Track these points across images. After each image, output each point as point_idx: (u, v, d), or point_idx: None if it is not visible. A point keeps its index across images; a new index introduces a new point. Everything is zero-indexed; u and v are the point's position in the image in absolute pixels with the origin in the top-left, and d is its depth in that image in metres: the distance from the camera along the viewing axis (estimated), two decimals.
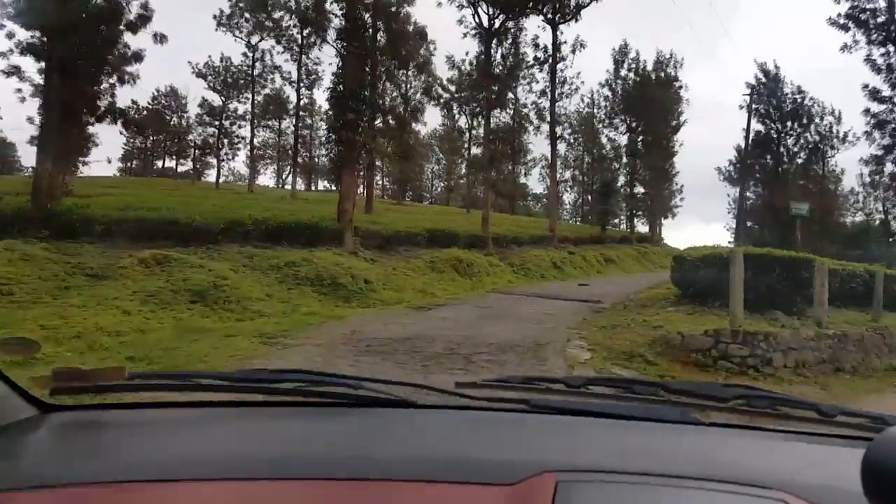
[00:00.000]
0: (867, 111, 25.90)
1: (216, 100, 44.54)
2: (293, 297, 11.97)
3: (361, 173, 22.48)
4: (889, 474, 0.66)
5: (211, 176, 48.43)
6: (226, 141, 46.33)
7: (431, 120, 76.92)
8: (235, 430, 1.15)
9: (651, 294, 14.60)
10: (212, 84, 43.57)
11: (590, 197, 51.00)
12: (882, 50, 24.72)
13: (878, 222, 46.24)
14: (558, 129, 27.67)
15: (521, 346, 8.62)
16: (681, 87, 40.30)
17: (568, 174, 55.96)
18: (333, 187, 41.05)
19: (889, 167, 26.21)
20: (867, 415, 1.28)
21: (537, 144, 78.60)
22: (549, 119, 27.17)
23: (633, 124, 37.60)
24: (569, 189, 60.91)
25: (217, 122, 45.46)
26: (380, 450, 1.01)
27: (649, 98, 36.50)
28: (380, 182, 68.35)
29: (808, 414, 1.27)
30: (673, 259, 13.46)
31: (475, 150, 34.75)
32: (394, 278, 15.10)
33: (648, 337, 9.53)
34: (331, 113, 19.03)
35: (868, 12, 24.72)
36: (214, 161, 46.40)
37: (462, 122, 39.82)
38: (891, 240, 43.15)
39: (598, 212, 38.47)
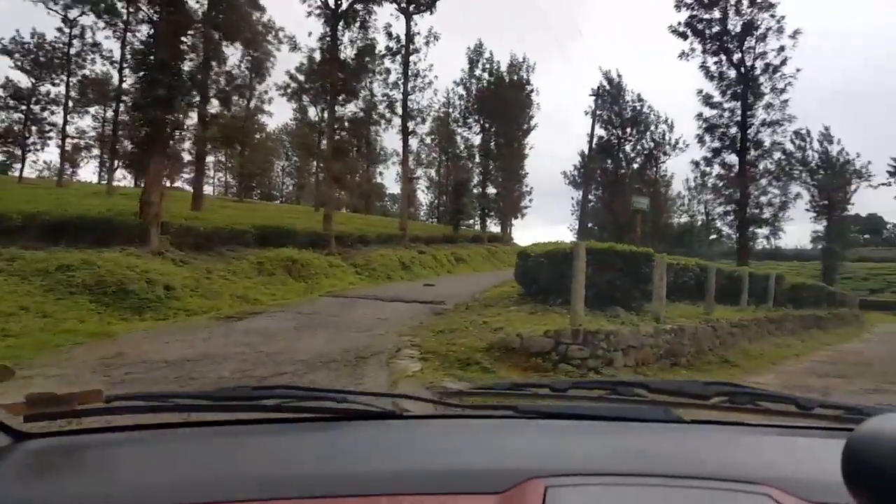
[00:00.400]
0: (700, 115, 28.04)
1: (24, 81, 38.15)
2: (59, 309, 9.49)
3: (190, 164, 19.58)
4: (869, 465, 0.67)
5: (24, 169, 41.56)
6: (34, 128, 39.94)
7: (282, 114, 73.13)
8: (219, 450, 1.12)
9: (496, 293, 13.87)
10: (19, 63, 37.41)
11: (445, 197, 50.97)
12: (715, 59, 26.78)
13: (700, 223, 50.63)
14: (411, 124, 26.67)
15: (338, 360, 7.16)
16: (532, 91, 41.49)
17: (422, 173, 55.70)
18: (172, 184, 36.69)
19: (717, 169, 28.49)
20: (844, 406, 1.27)
21: (391, 141, 77.42)
22: (400, 112, 26.10)
23: (487, 125, 37.92)
24: (426, 189, 60.82)
25: (24, 107, 39.02)
26: (367, 464, 1.00)
27: (502, 99, 36.96)
28: (223, 179, 63.42)
29: (788, 408, 1.28)
30: (517, 255, 12.77)
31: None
32: (207, 283, 12.93)
33: (487, 341, 8.52)
34: (136, 88, 16.22)
35: (704, 22, 26.60)
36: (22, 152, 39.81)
37: (313, 114, 37.97)
38: (711, 239, 47.74)
39: (450, 211, 38.21)
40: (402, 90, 25.79)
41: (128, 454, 1.11)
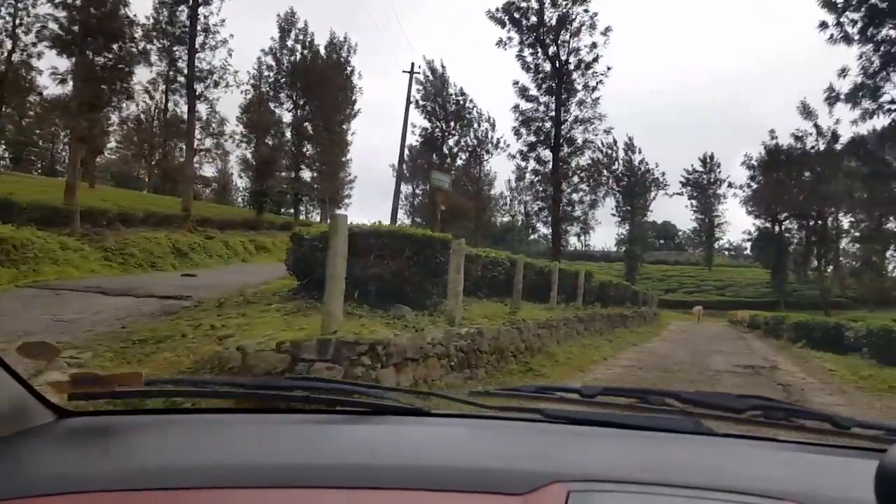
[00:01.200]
0: (516, 107, 27.49)
1: None
2: None
3: None
4: None
5: None
6: None
7: None
8: (250, 437, 1.15)
9: (276, 286, 11.11)
10: None
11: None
12: (531, 50, 26.27)
13: (520, 223, 51.63)
14: (199, 87, 22.59)
15: None
16: (353, 73, 38.97)
17: (237, 153, 50.29)
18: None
19: (532, 164, 28.13)
20: (884, 426, 1.26)
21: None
22: (187, 72, 21.96)
23: (301, 102, 34.61)
24: (242, 174, 55.35)
25: None
26: (392, 458, 1.01)
27: (318, 76, 33.99)
28: None
29: (824, 425, 1.26)
30: (290, 239, 10.10)
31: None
32: None
33: (198, 355, 5.81)
34: None
35: (521, 11, 25.90)
36: None
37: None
38: (530, 238, 48.93)
39: (252, 193, 34.22)
40: (187, 46, 21.66)
41: (162, 436, 1.14)
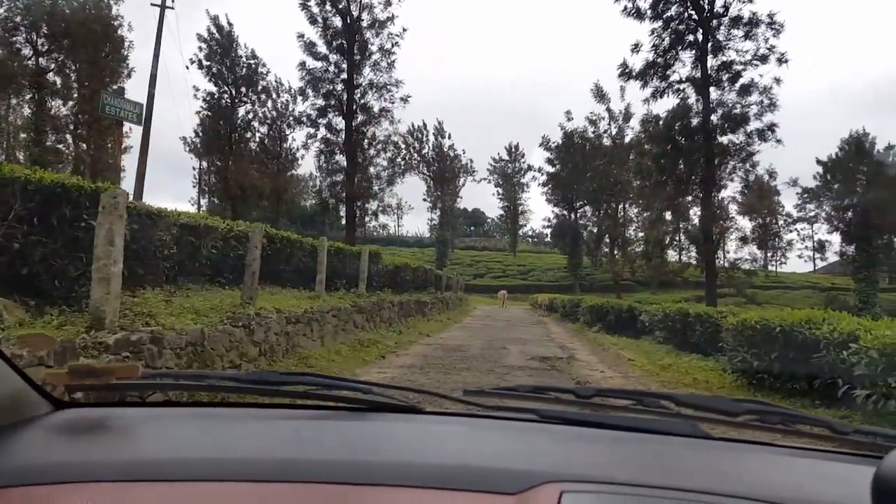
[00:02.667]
0: (303, 65, 24.04)
1: None
2: None
3: None
4: None
5: None
6: None
7: None
8: (245, 431, 1.16)
9: None
10: None
11: None
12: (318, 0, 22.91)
13: (331, 206, 48.20)
14: None
15: None
16: (119, 25, 32.47)
17: None
18: None
19: (323, 131, 24.86)
20: (882, 433, 1.23)
21: None
22: None
23: (45, 48, 27.69)
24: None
25: None
26: (386, 455, 1.02)
27: (66, 20, 27.49)
28: None
29: (820, 430, 1.25)
30: None
31: None
32: None
33: None
34: None
35: None
36: None
37: None
38: (341, 221, 45.81)
39: None
40: None
41: (158, 428, 1.14)
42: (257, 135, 38.67)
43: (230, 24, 35.06)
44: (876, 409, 5.25)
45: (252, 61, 36.03)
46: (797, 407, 6.74)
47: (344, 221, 41.89)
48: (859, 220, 36.44)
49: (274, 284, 11.07)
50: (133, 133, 29.12)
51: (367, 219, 32.71)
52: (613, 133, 46.33)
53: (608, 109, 46.93)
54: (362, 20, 23.52)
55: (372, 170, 25.83)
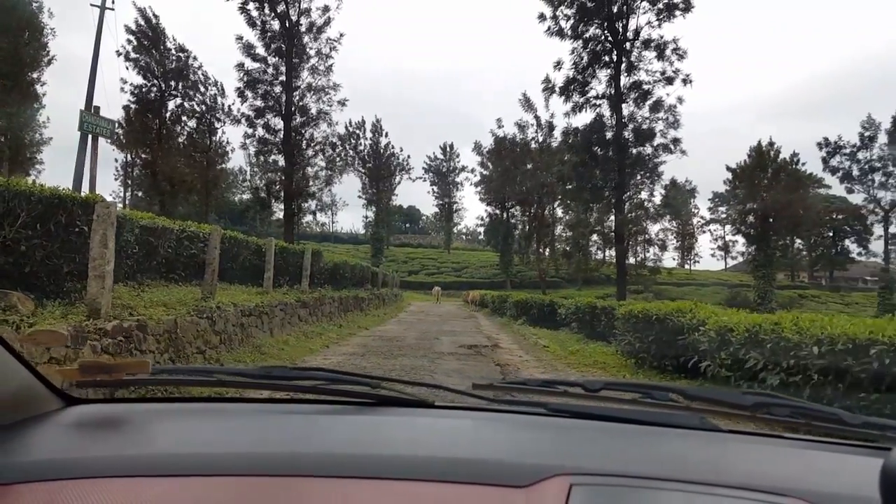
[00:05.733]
0: (241, 66, 24.62)
1: None
2: None
3: None
4: None
5: None
6: None
7: None
8: (255, 426, 1.17)
9: None
10: None
11: None
12: (257, 4, 23.63)
13: (268, 204, 48.49)
14: None
15: None
16: (40, 9, 31.70)
17: None
18: None
19: (260, 131, 25.59)
20: (891, 425, 1.22)
21: None
22: None
23: None
24: None
25: None
26: (396, 449, 1.03)
27: None
28: None
29: (831, 423, 1.24)
30: None
31: None
32: None
33: None
34: None
35: None
36: None
37: None
38: (274, 218, 46.03)
39: None
40: None
41: (168, 424, 1.16)
42: (186, 128, 38.51)
43: (156, 17, 34.81)
44: (714, 377, 7.00)
45: (182, 54, 35.93)
46: (665, 378, 8.49)
47: (274, 217, 42.36)
48: (759, 223, 40.40)
49: (222, 281, 12.05)
50: (51, 124, 28.57)
51: (302, 216, 33.35)
52: (540, 140, 48.84)
53: (536, 117, 49.42)
54: (301, 25, 24.40)
55: (310, 170, 26.71)
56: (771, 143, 46.18)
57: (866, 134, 45.96)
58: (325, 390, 1.30)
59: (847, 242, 60.97)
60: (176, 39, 35.96)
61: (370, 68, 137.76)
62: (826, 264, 62.89)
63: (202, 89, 36.77)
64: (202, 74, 37.00)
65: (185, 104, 36.01)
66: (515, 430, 1.21)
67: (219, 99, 38.37)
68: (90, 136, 12.75)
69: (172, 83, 35.27)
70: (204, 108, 37.96)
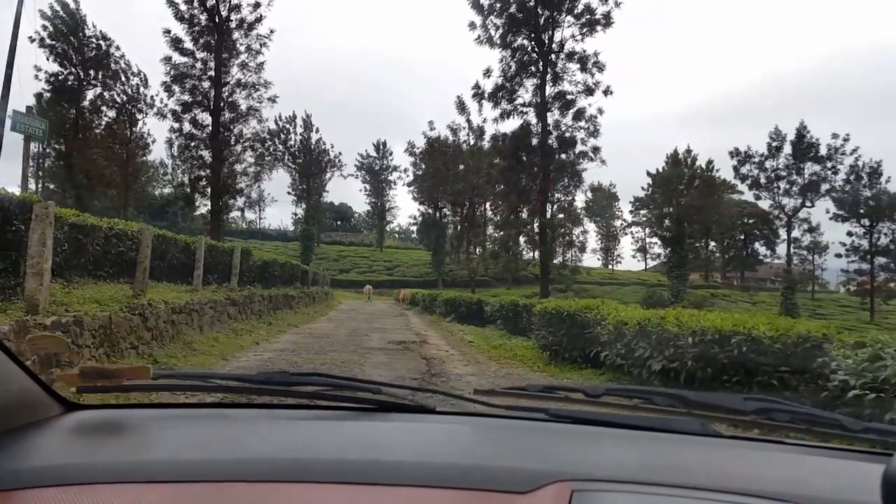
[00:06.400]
0: (168, 59, 24.24)
1: None
2: None
3: None
4: None
5: None
6: None
7: None
8: (256, 431, 1.17)
9: None
10: None
11: None
12: None
13: (186, 195, 47.46)
14: None
15: None
16: None
17: None
18: None
19: (188, 127, 25.28)
20: (893, 431, 1.25)
21: None
22: None
23: None
24: None
25: None
26: (397, 455, 1.03)
27: None
28: None
29: (832, 429, 1.23)
30: None
31: None
32: None
33: None
34: None
35: None
36: None
37: None
38: (198, 213, 44.98)
39: None
40: None
41: (169, 430, 1.16)
42: (105, 119, 37.21)
43: (76, 2, 33.51)
44: (612, 364, 7.96)
45: (103, 42, 34.71)
46: (573, 367, 9.43)
47: (198, 213, 41.46)
48: (674, 227, 43.17)
49: (150, 279, 12.15)
50: None
51: (229, 213, 32.97)
52: (472, 143, 50.19)
53: (468, 121, 50.70)
54: (231, 21, 24.30)
55: (238, 166, 26.57)
56: (688, 151, 49.29)
57: (773, 144, 49.62)
58: (326, 396, 1.31)
59: (757, 245, 65.63)
60: (96, 26, 34.75)
61: (303, 62, 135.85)
62: (737, 265, 67.50)
63: (124, 79, 35.74)
64: (124, 63, 35.93)
65: (105, 94, 34.95)
66: (516, 436, 1.21)
67: (141, 89, 37.39)
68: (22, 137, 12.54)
69: (92, 72, 34.07)
70: (125, 98, 36.85)
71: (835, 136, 48.29)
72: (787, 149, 49.30)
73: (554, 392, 1.44)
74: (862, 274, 52.49)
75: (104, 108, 36.19)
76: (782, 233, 54.42)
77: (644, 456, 1.08)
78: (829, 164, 48.33)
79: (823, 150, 48.39)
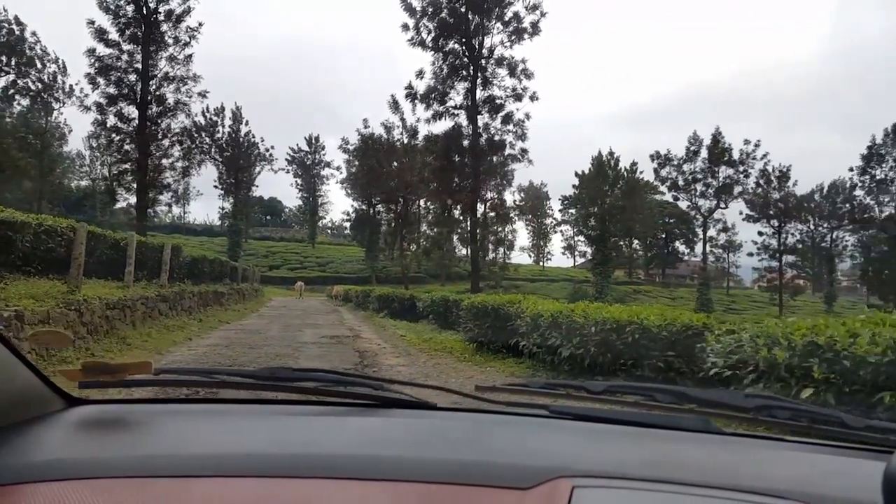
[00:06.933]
0: (92, 51, 23.58)
1: None
2: None
3: None
4: None
5: None
6: None
7: None
8: (258, 427, 1.18)
9: None
10: None
11: None
12: None
13: (104, 188, 45.89)
14: None
15: None
16: None
17: None
18: None
19: (113, 120, 24.64)
20: (894, 428, 1.23)
21: None
22: None
23: None
24: None
25: None
26: (398, 450, 1.04)
27: None
28: None
29: (833, 426, 1.25)
30: None
31: None
32: None
33: None
34: None
35: None
36: None
37: None
38: (117, 207, 43.53)
39: None
40: None
41: (171, 425, 1.16)
42: (19, 107, 35.54)
43: None
44: (530, 353, 8.81)
45: (16, 27, 33.15)
46: (497, 357, 10.24)
47: (117, 206, 40.16)
48: (598, 225, 45.42)
49: (49, 274, 12.15)
50: None
51: (156, 208, 32.27)
52: (406, 141, 50.77)
53: (402, 119, 51.29)
54: (159, 12, 23.87)
55: (166, 161, 26.11)
56: (611, 153, 51.66)
57: (691, 149, 52.82)
58: (327, 391, 1.33)
59: (677, 244, 69.46)
60: (8, 11, 33.14)
61: (234, 54, 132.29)
62: (659, 263, 71.25)
63: (40, 66, 34.19)
64: (41, 50, 34.42)
65: (19, 81, 33.35)
66: (517, 432, 1.22)
67: (59, 77, 35.90)
68: None
69: (4, 58, 32.46)
70: (41, 86, 35.27)
71: (747, 142, 51.97)
72: (704, 153, 52.60)
73: (555, 388, 1.45)
74: (771, 271, 56.57)
75: (17, 95, 34.56)
76: (700, 232, 57.96)
77: (645, 453, 1.09)
78: (741, 168, 51.92)
79: (736, 155, 51.96)
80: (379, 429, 1.19)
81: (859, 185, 47.17)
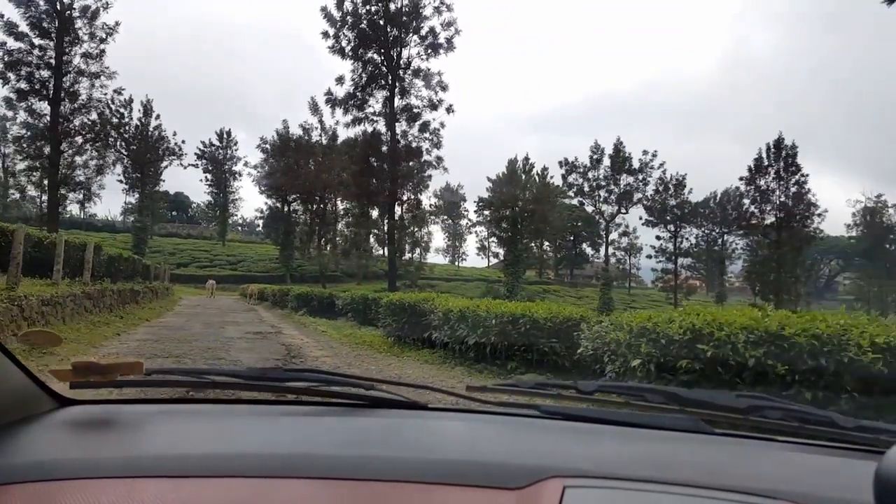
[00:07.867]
0: (2, 45, 22.88)
1: None
2: None
3: None
4: None
5: None
6: None
7: None
8: (249, 427, 1.19)
9: None
10: None
11: None
12: None
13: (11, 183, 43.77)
14: None
15: None
16: None
17: None
18: None
19: (23, 115, 23.94)
20: (884, 428, 1.25)
21: None
22: None
23: None
24: None
25: None
26: (389, 451, 1.04)
27: None
28: None
29: (824, 426, 1.26)
30: None
31: None
32: None
33: None
34: None
35: None
36: None
37: None
38: (10, 200, 41.58)
39: None
40: None
41: (162, 425, 1.17)
42: None
43: None
44: (442, 345, 10.21)
45: None
46: (413, 350, 11.55)
47: (10, 199, 38.27)
48: (510, 227, 47.96)
49: None
50: None
51: (68, 205, 31.28)
52: (324, 143, 51.32)
53: (321, 122, 51.84)
54: (74, 8, 23.50)
55: (79, 158, 25.57)
56: (526, 159, 54.47)
57: (594, 157, 56.46)
58: (318, 392, 1.34)
59: (584, 246, 73.59)
60: None
61: (146, 45, 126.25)
62: (567, 264, 75.17)
63: None
64: None
65: None
66: (508, 432, 1.23)
67: None
68: None
69: None
70: None
71: (645, 152, 56.15)
72: (607, 161, 56.35)
73: (546, 388, 1.45)
74: (668, 273, 61.28)
75: None
76: (604, 235, 61.91)
77: (636, 452, 1.09)
78: (640, 177, 56.01)
79: (636, 164, 56.03)
80: (370, 429, 1.19)
81: (745, 194, 52.07)
